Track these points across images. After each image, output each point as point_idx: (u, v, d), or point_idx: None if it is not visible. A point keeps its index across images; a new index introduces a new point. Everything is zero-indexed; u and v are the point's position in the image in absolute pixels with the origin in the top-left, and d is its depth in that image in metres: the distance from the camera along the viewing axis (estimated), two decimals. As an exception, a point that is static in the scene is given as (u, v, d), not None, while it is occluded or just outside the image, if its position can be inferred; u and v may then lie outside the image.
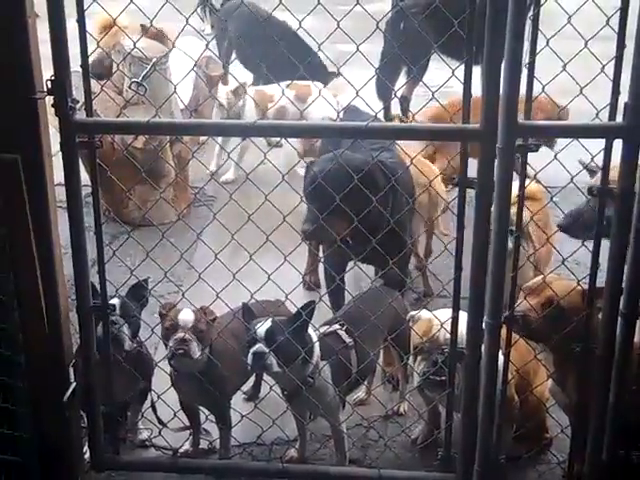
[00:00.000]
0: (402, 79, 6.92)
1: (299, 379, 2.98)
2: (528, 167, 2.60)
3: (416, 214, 4.08)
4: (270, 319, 2.92)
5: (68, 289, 2.87)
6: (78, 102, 2.57)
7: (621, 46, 2.36)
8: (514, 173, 2.50)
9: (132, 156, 4.33)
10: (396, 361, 3.53)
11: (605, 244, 2.62)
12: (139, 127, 2.76)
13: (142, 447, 3.34)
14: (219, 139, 5.92)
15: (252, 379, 3.55)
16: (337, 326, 3.23)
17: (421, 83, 6.49)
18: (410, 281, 4.34)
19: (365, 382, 3.50)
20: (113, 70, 4.96)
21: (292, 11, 2.81)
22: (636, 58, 2.34)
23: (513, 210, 2.61)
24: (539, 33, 2.41)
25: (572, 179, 2.74)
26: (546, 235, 3.42)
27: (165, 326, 3.06)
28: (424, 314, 3.08)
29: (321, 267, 4.30)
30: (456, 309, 2.74)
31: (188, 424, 3.29)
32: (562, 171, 2.72)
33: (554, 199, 2.95)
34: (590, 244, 2.64)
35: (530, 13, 2.44)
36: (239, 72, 7.13)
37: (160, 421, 3.29)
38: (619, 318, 2.60)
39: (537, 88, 2.53)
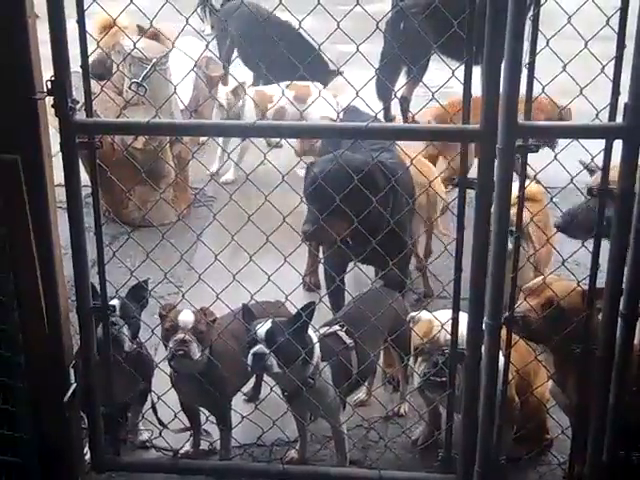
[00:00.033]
0: (402, 79, 6.92)
1: (299, 380, 2.98)
2: (528, 168, 2.60)
3: (415, 214, 4.08)
4: (270, 320, 2.92)
5: (68, 290, 2.87)
6: (78, 102, 2.57)
7: (621, 46, 2.36)
8: (514, 174, 2.50)
9: (132, 157, 4.33)
10: (396, 362, 3.53)
11: (605, 245, 2.62)
12: (139, 128, 2.76)
13: (142, 448, 3.34)
14: (220, 140, 5.92)
15: (252, 380, 3.55)
16: (337, 327, 3.23)
17: (421, 83, 6.49)
18: (410, 282, 4.34)
19: (365, 383, 3.50)
20: (113, 71, 4.96)
21: (292, 11, 2.81)
22: (636, 58, 2.34)
23: (513, 211, 2.61)
24: (539, 33, 2.40)
25: (572, 179, 2.74)
26: (546, 236, 3.42)
27: (165, 327, 3.06)
28: (424, 315, 3.08)
29: (321, 268, 4.30)
30: (456, 310, 2.74)
31: (188, 425, 3.29)
32: (562, 171, 2.72)
33: (554, 200, 2.94)
34: (590, 245, 2.64)
35: (530, 13, 2.44)
36: (239, 72, 7.14)
37: (160, 422, 3.29)
38: (619, 319, 2.60)
39: (537, 88, 2.53)
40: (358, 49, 2.57)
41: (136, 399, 3.30)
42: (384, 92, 6.68)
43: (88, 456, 3.06)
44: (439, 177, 4.74)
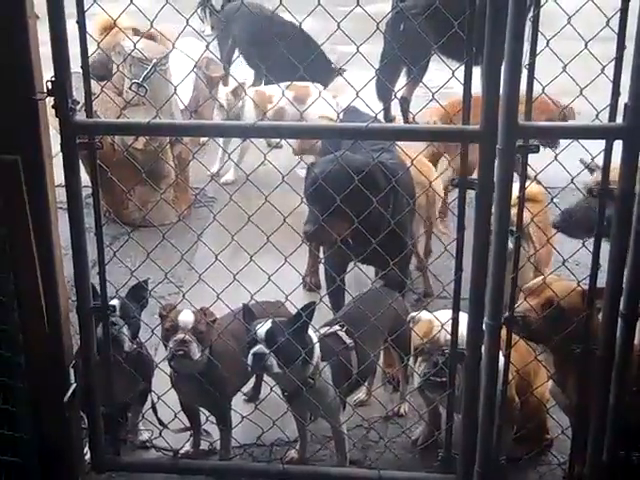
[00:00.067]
0: (402, 80, 6.93)
1: (299, 380, 2.98)
2: (529, 168, 2.60)
3: (415, 214, 4.08)
4: (270, 320, 2.92)
5: (68, 290, 2.87)
6: (78, 103, 2.57)
7: (621, 47, 2.36)
8: (515, 174, 2.50)
9: (132, 157, 4.33)
10: (396, 362, 3.53)
11: (605, 245, 2.62)
12: (139, 128, 2.76)
13: (143, 448, 3.34)
14: (220, 140, 5.92)
15: (252, 380, 3.55)
16: (337, 327, 3.23)
17: (421, 84, 6.49)
18: (410, 282, 4.34)
19: (365, 383, 3.50)
20: (113, 71, 4.97)
21: (292, 12, 2.81)
22: (636, 59, 2.34)
23: (514, 211, 2.61)
24: (539, 34, 2.41)
25: (572, 180, 2.74)
26: (546, 236, 3.42)
27: (165, 327, 3.07)
28: (424, 315, 3.08)
29: (321, 268, 4.30)
30: (456, 310, 2.74)
31: (188, 425, 3.29)
32: (562, 172, 2.73)
33: (554, 200, 2.95)
34: (590, 245, 2.64)
35: (530, 14, 2.44)
36: (239, 73, 7.14)
37: (160, 422, 3.29)
38: (619, 319, 2.60)
39: (537, 89, 2.53)
40: (358, 50, 2.57)
41: (136, 399, 3.31)
42: (384, 93, 6.68)
43: (88, 456, 3.06)
44: (438, 176, 4.75)
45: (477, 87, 2.42)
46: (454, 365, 2.82)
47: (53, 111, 2.54)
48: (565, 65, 2.54)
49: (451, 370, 2.83)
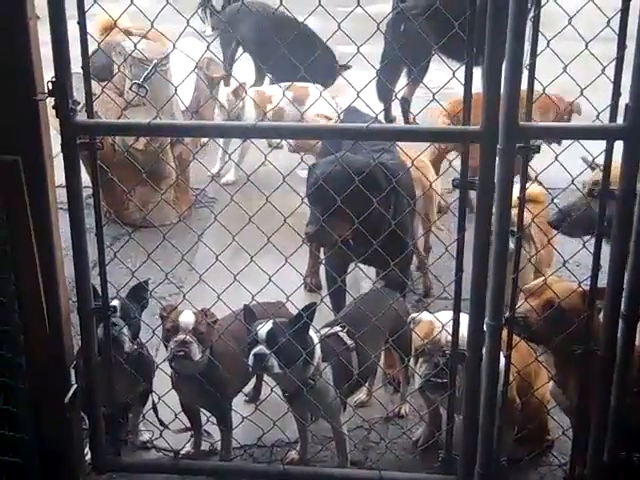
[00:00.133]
0: (403, 80, 6.92)
1: (300, 381, 2.98)
2: (529, 169, 2.60)
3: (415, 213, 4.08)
4: (271, 321, 2.92)
5: (69, 291, 2.87)
6: (79, 103, 2.57)
7: (622, 47, 2.35)
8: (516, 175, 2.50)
9: (133, 157, 4.33)
10: (397, 363, 3.53)
11: (606, 246, 2.62)
12: (140, 129, 2.76)
13: (143, 449, 3.34)
14: (221, 141, 5.92)
15: (253, 381, 3.55)
16: (338, 328, 3.23)
17: (422, 84, 6.49)
18: (411, 283, 4.34)
19: (366, 384, 3.50)
20: (114, 72, 4.97)
21: (293, 13, 2.81)
22: (637, 59, 2.34)
23: (515, 212, 2.61)
24: (540, 34, 2.40)
25: (573, 181, 2.74)
26: (547, 237, 3.42)
27: (166, 328, 3.07)
28: (425, 316, 3.08)
29: (322, 269, 4.30)
30: (457, 311, 2.74)
31: (189, 426, 3.29)
32: (563, 172, 2.72)
33: (555, 200, 2.95)
34: (591, 246, 2.64)
35: (531, 14, 2.44)
36: (240, 73, 7.15)
37: (161, 423, 3.29)
38: (620, 320, 2.60)
39: (538, 89, 2.53)
40: (359, 50, 2.57)
41: (137, 400, 3.30)
42: (385, 93, 6.68)
43: (89, 457, 3.06)
44: (434, 172, 4.75)
45: (478, 87, 2.42)
46: (455, 366, 2.81)
47: (54, 112, 2.54)
48: (566, 65, 2.54)
49: (452, 371, 2.83)
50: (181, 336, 3.01)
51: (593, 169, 3.23)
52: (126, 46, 4.92)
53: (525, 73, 2.39)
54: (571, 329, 2.73)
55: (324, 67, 6.18)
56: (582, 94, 2.58)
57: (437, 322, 2.94)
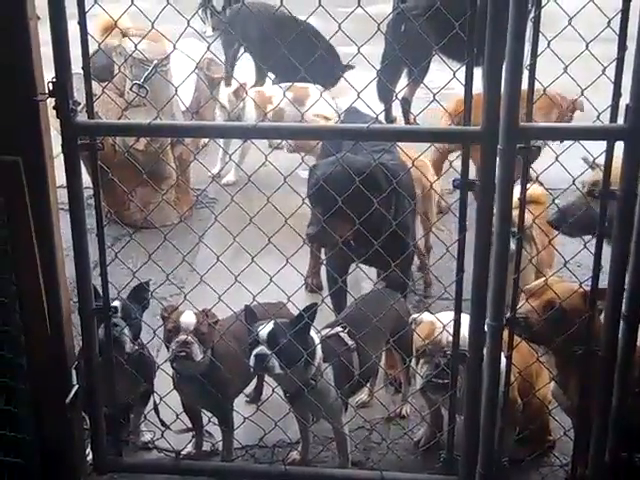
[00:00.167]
0: (403, 81, 6.93)
1: (301, 381, 2.98)
2: (530, 169, 2.60)
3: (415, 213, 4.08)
4: (272, 321, 2.92)
5: (70, 291, 2.87)
6: (79, 104, 2.57)
7: (622, 48, 2.35)
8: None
9: (133, 158, 4.33)
10: (398, 363, 3.53)
11: (607, 246, 2.62)
12: (140, 129, 2.76)
13: (144, 449, 3.34)
14: (221, 141, 5.92)
15: (254, 381, 3.55)
16: (339, 328, 3.23)
17: (422, 85, 6.49)
18: (412, 283, 4.34)
19: (367, 384, 3.50)
20: (114, 72, 4.97)
21: (294, 13, 2.81)
22: (637, 60, 2.34)
23: (516, 212, 2.61)
24: (540, 35, 2.40)
25: (574, 181, 2.74)
26: (548, 238, 3.41)
27: (167, 328, 3.07)
28: (426, 317, 3.08)
29: (323, 269, 4.30)
30: (458, 311, 2.74)
31: (190, 426, 3.29)
32: (564, 172, 2.72)
33: (556, 201, 2.95)
34: (592, 246, 2.64)
35: (531, 15, 2.44)
36: (240, 74, 7.15)
37: (163, 423, 3.29)
38: (621, 321, 2.60)
39: (539, 89, 2.52)
40: (359, 51, 2.57)
41: (138, 400, 3.31)
42: (385, 93, 6.68)
43: (90, 457, 3.07)
44: (433, 171, 4.74)
45: (478, 88, 2.42)
46: (456, 366, 2.81)
47: (54, 112, 2.54)
48: (566, 66, 2.54)
49: (453, 371, 2.83)
50: (182, 337, 3.01)
51: (593, 169, 3.23)
52: (126, 47, 4.92)
53: (525, 74, 2.39)
54: (572, 330, 2.73)
55: (328, 68, 6.18)
56: (582, 94, 2.58)
57: (438, 323, 2.94)
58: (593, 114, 2.56)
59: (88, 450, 3.06)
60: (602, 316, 2.70)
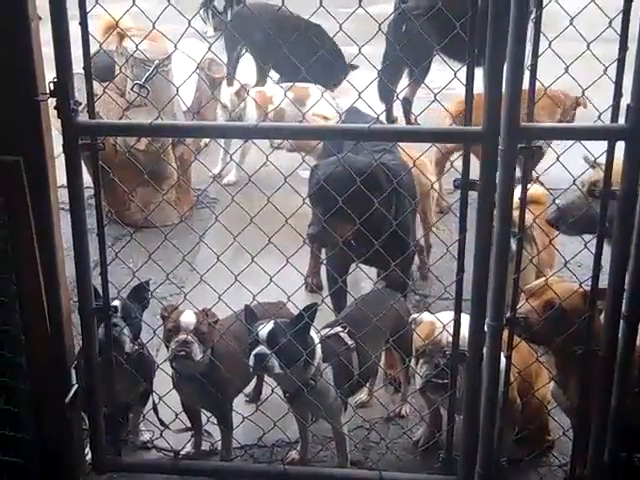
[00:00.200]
0: (404, 81, 6.93)
1: (301, 381, 2.98)
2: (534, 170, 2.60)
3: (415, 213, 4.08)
4: (272, 321, 2.93)
5: (70, 291, 2.87)
6: (81, 104, 2.57)
7: (623, 48, 2.35)
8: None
9: (134, 158, 4.33)
10: (398, 363, 3.53)
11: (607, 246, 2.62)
12: (141, 129, 2.76)
13: (144, 449, 3.34)
14: (222, 141, 5.93)
15: (254, 381, 3.55)
16: (339, 328, 3.23)
17: (423, 85, 6.49)
18: (412, 283, 4.34)
19: (367, 384, 3.50)
20: (116, 72, 4.97)
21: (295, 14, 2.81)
22: (638, 60, 2.34)
23: (517, 213, 2.61)
24: (541, 35, 2.40)
25: (574, 181, 2.74)
26: (549, 238, 3.42)
27: (167, 328, 3.07)
28: (426, 317, 3.08)
29: (323, 269, 4.30)
30: (458, 311, 2.74)
31: (190, 426, 3.29)
32: (565, 172, 2.73)
33: (556, 201, 2.95)
34: (592, 246, 2.64)
35: (532, 15, 2.44)
36: (241, 74, 7.15)
37: (162, 423, 3.29)
38: (621, 321, 2.60)
39: (541, 88, 2.52)
40: (360, 51, 2.57)
41: (137, 400, 3.31)
42: (386, 94, 6.68)
43: (89, 457, 3.07)
44: (432, 170, 4.74)
45: (479, 88, 2.42)
46: (456, 366, 2.81)
47: (55, 112, 2.54)
48: (567, 66, 2.54)
49: (453, 371, 2.83)
50: (182, 336, 3.02)
51: (594, 168, 3.23)
52: (128, 47, 4.92)
53: (527, 74, 2.39)
54: (572, 330, 2.73)
55: (333, 68, 6.17)
56: (584, 94, 2.58)
57: (438, 323, 2.94)
58: (594, 114, 2.56)
59: (87, 450, 3.06)
60: (602, 316, 2.70)
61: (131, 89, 4.81)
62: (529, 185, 2.66)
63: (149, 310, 3.29)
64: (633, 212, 2.48)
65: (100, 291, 2.86)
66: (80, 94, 2.58)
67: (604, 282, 2.61)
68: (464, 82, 2.46)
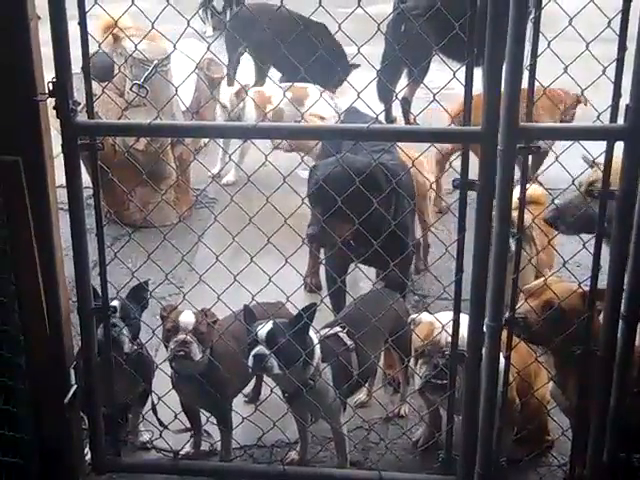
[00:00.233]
0: (403, 81, 6.93)
1: (300, 381, 2.98)
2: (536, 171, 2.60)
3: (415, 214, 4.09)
4: (271, 321, 2.92)
5: (69, 291, 2.87)
6: (79, 104, 2.57)
7: (622, 48, 2.35)
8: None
9: (133, 158, 4.33)
10: (397, 363, 3.53)
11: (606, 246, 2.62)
12: (140, 129, 2.76)
13: (143, 449, 3.34)
14: (221, 141, 5.92)
15: (253, 381, 3.55)
16: (338, 328, 3.23)
17: (422, 85, 6.49)
18: (411, 283, 4.34)
19: (366, 384, 3.50)
20: (114, 72, 4.97)
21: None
22: (637, 60, 2.34)
23: (516, 213, 2.61)
24: (540, 35, 2.40)
25: (573, 181, 2.74)
26: (548, 238, 3.42)
27: (166, 328, 3.07)
28: (425, 317, 3.08)
29: (322, 269, 4.30)
30: (457, 311, 2.74)
31: (189, 426, 3.29)
32: (564, 173, 2.73)
33: (555, 201, 2.95)
34: (591, 246, 2.64)
35: (531, 15, 2.44)
36: (240, 73, 7.15)
37: (161, 423, 3.28)
38: (620, 321, 2.60)
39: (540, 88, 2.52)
40: (359, 51, 2.57)
41: (136, 400, 3.31)
42: (385, 94, 6.68)
43: (88, 457, 3.06)
44: (428, 168, 4.74)
45: (478, 88, 2.42)
46: (455, 366, 2.81)
47: (54, 112, 2.54)
48: (566, 66, 2.54)
49: (452, 372, 2.83)
50: (181, 336, 3.01)
51: (592, 167, 3.23)
52: (127, 46, 4.92)
53: (526, 74, 2.39)
54: (571, 330, 2.73)
55: (334, 68, 6.16)
56: (583, 95, 2.58)
57: (437, 323, 2.94)
58: (593, 114, 2.56)
59: (87, 450, 3.06)
60: (601, 316, 2.70)
61: (130, 89, 4.80)
62: (528, 185, 2.66)
63: (148, 310, 3.29)
64: (632, 212, 2.48)
65: (99, 291, 2.86)
66: (79, 94, 2.58)
67: (603, 282, 2.61)
68: (463, 82, 2.47)
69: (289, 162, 4.38)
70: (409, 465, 3.25)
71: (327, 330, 3.22)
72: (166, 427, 3.24)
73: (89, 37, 2.51)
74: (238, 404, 3.35)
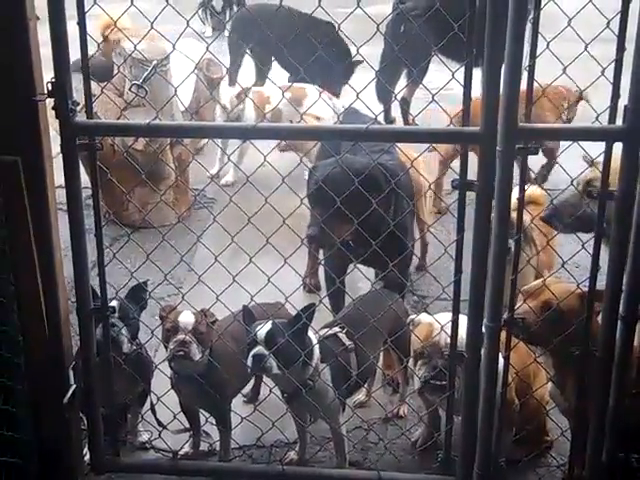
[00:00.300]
0: (402, 81, 6.93)
1: (299, 381, 2.98)
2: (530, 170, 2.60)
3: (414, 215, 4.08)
4: (270, 322, 2.92)
5: (68, 291, 2.87)
6: (78, 104, 2.57)
7: (621, 49, 2.35)
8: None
9: (132, 158, 4.33)
10: (396, 364, 3.53)
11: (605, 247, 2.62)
12: (139, 129, 2.76)
13: (142, 449, 3.34)
14: (219, 142, 5.92)
15: (252, 381, 3.55)
16: (337, 329, 3.23)
17: (421, 85, 6.49)
18: (410, 284, 4.34)
19: (365, 385, 3.50)
20: (114, 72, 4.97)
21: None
22: (636, 61, 2.34)
23: (515, 214, 2.61)
24: (539, 35, 2.41)
25: (572, 181, 2.74)
26: (547, 239, 3.42)
27: (165, 328, 3.07)
28: (424, 318, 3.08)
29: (321, 269, 4.30)
30: (456, 312, 2.74)
31: (188, 426, 3.29)
32: (563, 173, 2.73)
33: (554, 201, 2.95)
34: (590, 247, 2.64)
35: (530, 16, 2.44)
36: (240, 73, 7.16)
37: (160, 423, 3.29)
38: (619, 321, 2.60)
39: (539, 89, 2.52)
40: (358, 51, 2.57)
41: (135, 400, 3.31)
42: (384, 94, 6.68)
43: (87, 457, 3.06)
44: (424, 163, 4.73)
45: (477, 89, 2.42)
46: (454, 367, 2.81)
47: (53, 112, 2.54)
48: (565, 67, 2.54)
49: (451, 372, 2.83)
50: (180, 336, 3.01)
51: (591, 166, 3.23)
52: (126, 47, 4.92)
53: (525, 74, 2.39)
54: (569, 330, 2.73)
55: (338, 68, 6.16)
56: (581, 95, 2.59)
57: (436, 324, 2.94)
58: (592, 115, 2.56)
59: (85, 450, 3.06)
60: (600, 317, 2.70)
61: (129, 89, 4.80)
62: (527, 186, 2.66)
63: (147, 310, 3.29)
64: (631, 212, 2.48)
65: (98, 291, 2.86)
66: (78, 94, 2.57)
67: (602, 283, 2.61)
68: (462, 83, 2.47)
69: (288, 162, 4.39)
70: (408, 465, 3.25)
71: (326, 330, 3.22)
72: (165, 427, 3.24)
73: (88, 37, 2.52)
74: (237, 404, 3.35)
